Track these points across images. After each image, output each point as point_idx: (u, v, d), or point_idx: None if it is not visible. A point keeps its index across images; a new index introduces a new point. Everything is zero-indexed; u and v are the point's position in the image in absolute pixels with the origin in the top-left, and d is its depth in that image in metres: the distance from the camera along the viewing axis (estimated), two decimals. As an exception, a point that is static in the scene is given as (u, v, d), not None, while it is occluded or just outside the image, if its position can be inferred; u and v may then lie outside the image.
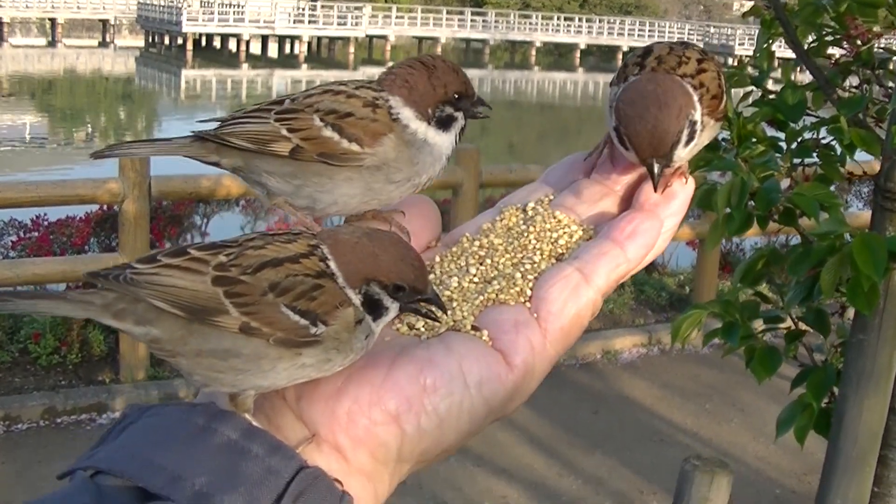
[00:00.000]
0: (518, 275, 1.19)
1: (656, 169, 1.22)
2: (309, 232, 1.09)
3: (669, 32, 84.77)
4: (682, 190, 1.26)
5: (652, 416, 9.12)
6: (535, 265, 1.21)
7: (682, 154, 1.25)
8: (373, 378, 1.04)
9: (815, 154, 3.44)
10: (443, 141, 1.27)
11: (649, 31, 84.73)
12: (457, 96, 1.26)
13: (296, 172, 1.23)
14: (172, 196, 9.88)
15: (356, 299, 1.05)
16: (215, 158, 1.28)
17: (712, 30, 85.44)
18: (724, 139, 3.53)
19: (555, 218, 1.26)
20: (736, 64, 3.79)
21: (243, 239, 1.05)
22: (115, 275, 1.01)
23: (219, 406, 1.04)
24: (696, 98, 1.26)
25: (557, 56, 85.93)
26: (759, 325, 3.72)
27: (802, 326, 3.70)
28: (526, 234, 1.25)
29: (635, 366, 10.26)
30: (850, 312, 3.62)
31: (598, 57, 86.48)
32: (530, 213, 1.29)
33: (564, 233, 1.24)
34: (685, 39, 1.47)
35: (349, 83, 1.26)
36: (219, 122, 1.28)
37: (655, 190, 1.23)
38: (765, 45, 3.83)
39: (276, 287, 1.01)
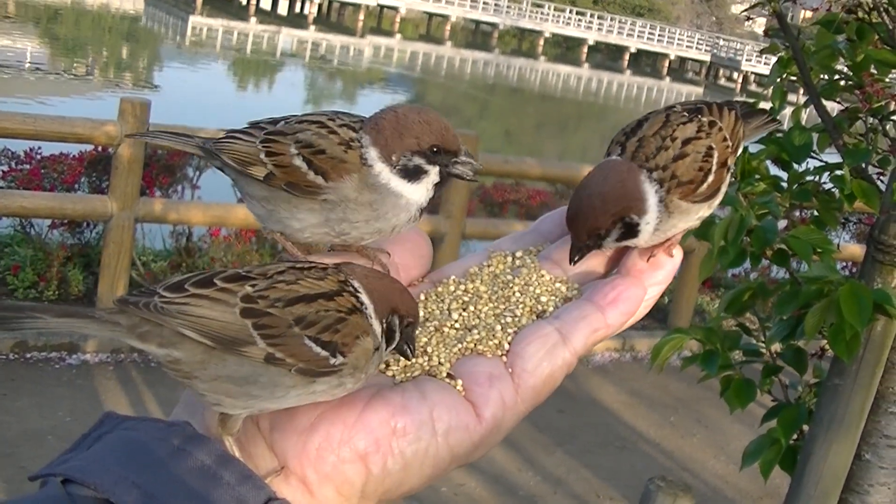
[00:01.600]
0: (498, 327, 1.21)
1: (575, 250, 1.26)
2: (328, 266, 1.13)
3: (679, 40, 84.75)
4: (669, 261, 1.28)
5: (617, 422, 9.18)
6: (517, 319, 1.22)
7: (632, 241, 1.27)
8: (346, 417, 1.07)
9: (814, 198, 3.49)
10: (410, 192, 1.24)
11: (659, 35, 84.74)
12: (434, 149, 1.24)
13: (269, 197, 1.25)
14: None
15: (378, 330, 1.11)
16: (219, 165, 1.31)
17: (721, 42, 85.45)
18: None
19: (540, 272, 1.28)
20: (741, 81, 3.82)
21: (273, 271, 1.09)
22: (146, 302, 1.04)
23: (194, 426, 1.07)
24: (650, 195, 1.27)
25: (565, 49, 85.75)
26: (736, 353, 3.77)
27: (780, 362, 3.75)
28: (510, 285, 1.27)
29: (606, 370, 10.31)
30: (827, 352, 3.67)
31: (605, 55, 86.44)
32: (517, 262, 1.31)
33: (548, 289, 1.26)
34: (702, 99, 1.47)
35: (338, 118, 1.26)
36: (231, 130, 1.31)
37: (571, 262, 1.26)
38: (778, 80, 3.86)
39: (303, 321, 1.05)
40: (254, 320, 1.03)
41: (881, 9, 3.33)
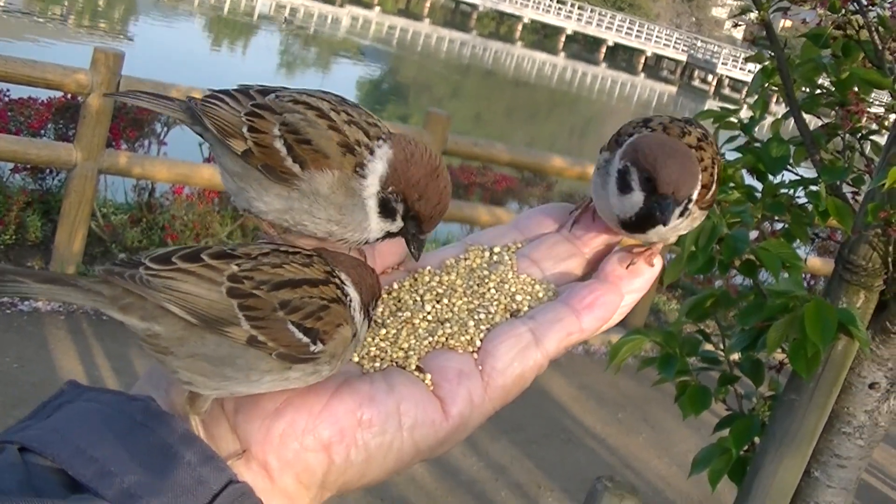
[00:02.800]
0: (471, 322, 1.20)
1: (672, 203, 1.23)
2: (312, 252, 1.12)
3: (657, 37, 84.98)
4: (649, 270, 1.27)
5: (564, 415, 9.19)
6: (490, 316, 1.21)
7: (671, 224, 1.25)
8: (312, 405, 1.06)
9: (787, 212, 3.47)
10: (375, 221, 1.20)
11: (637, 30, 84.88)
12: (414, 215, 1.20)
13: (242, 174, 1.21)
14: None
15: (359, 319, 1.10)
16: (199, 130, 1.26)
17: (699, 43, 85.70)
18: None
19: (517, 270, 1.27)
20: (715, 83, 3.81)
21: (257, 252, 1.07)
22: (131, 274, 1.02)
23: (158, 402, 1.05)
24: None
25: (542, 36, 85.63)
26: (693, 359, 3.77)
27: (737, 372, 3.75)
28: (486, 281, 1.26)
29: (558, 362, 10.05)
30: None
31: (583, 45, 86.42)
32: (495, 258, 1.30)
33: (523, 289, 1.25)
34: (674, 47, 1.44)
35: (346, 110, 1.20)
36: (212, 92, 1.26)
37: (661, 219, 1.24)
38: (759, 90, 3.85)
39: (287, 305, 1.03)
40: (239, 301, 1.02)
41: (871, 28, 3.31)
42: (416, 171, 1.19)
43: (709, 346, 3.87)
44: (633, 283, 1.25)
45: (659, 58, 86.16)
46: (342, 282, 1.10)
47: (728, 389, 3.80)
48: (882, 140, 3.46)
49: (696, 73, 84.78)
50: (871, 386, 3.43)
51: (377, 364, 1.16)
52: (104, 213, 10.09)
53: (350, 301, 1.10)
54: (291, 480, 1.05)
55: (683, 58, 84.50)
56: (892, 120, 3.46)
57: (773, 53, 3.66)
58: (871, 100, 3.48)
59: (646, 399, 9.67)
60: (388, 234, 1.22)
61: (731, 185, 3.46)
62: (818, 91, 3.73)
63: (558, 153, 12.83)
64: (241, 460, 1.04)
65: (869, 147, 3.62)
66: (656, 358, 3.69)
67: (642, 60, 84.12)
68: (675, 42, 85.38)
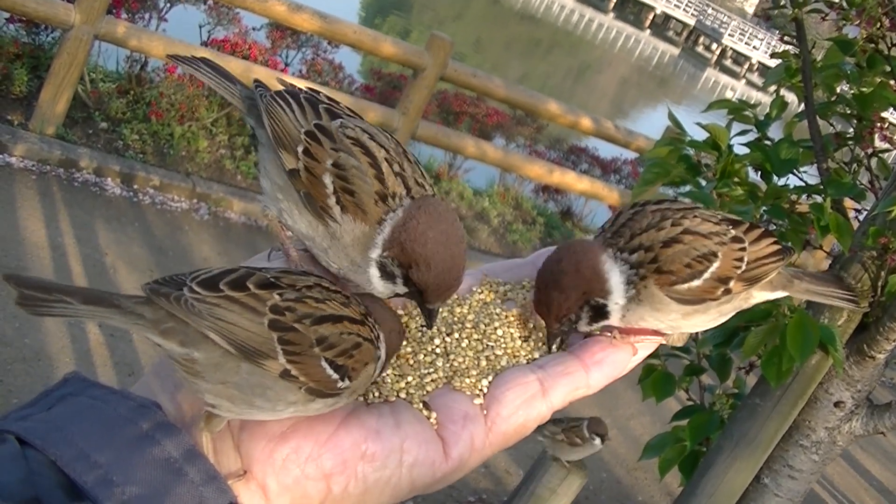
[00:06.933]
0: (479, 363, 1.20)
1: (551, 337, 1.23)
2: (349, 294, 1.11)
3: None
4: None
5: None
6: (498, 358, 1.21)
7: (598, 326, 1.24)
8: (319, 433, 1.06)
9: (786, 217, 3.44)
10: (375, 281, 1.18)
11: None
12: (420, 288, 1.17)
13: (282, 186, 1.19)
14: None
15: (383, 360, 1.11)
16: (252, 122, 1.24)
17: (710, 10, 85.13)
18: (706, 165, 3.51)
19: (529, 315, 1.25)
20: (718, 53, 3.76)
21: (301, 284, 1.06)
22: (177, 296, 1.00)
23: (163, 404, 1.05)
24: (612, 275, 1.23)
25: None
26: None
27: (705, 364, 3.74)
28: (496, 320, 1.24)
29: None
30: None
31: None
32: (509, 294, 1.29)
33: (535, 336, 1.24)
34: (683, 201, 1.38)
35: (397, 161, 1.18)
36: (283, 89, 1.23)
37: (549, 350, 1.23)
38: (776, 85, 3.80)
39: (324, 341, 1.03)
40: (279, 334, 1.01)
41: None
42: (419, 240, 1.15)
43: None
44: (645, 343, 1.25)
45: (668, 17, 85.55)
46: (376, 324, 1.10)
47: (692, 380, 3.79)
48: (890, 157, 3.44)
49: (701, 39, 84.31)
50: (837, 404, 3.42)
51: (379, 393, 1.16)
52: (92, 78, 9.95)
53: (380, 342, 1.10)
54: None
55: (692, 22, 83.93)
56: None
57: (798, 52, 3.61)
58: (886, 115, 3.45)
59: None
60: (398, 295, 1.19)
61: (736, 179, 3.41)
62: (834, 98, 3.69)
63: (550, 94, 12.74)
64: (241, 480, 1.03)
65: (876, 163, 3.59)
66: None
67: (651, 17, 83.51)
68: (686, 5, 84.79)
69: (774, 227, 3.51)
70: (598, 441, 4.25)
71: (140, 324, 1.02)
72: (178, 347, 1.02)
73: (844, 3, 3.33)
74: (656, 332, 1.28)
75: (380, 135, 1.19)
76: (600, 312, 1.23)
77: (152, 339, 1.02)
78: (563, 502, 4.17)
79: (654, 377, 3.63)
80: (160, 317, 1.02)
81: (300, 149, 1.16)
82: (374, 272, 1.17)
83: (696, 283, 1.24)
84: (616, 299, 1.22)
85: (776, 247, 1.32)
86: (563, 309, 1.21)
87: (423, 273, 1.15)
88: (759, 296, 1.35)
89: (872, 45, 3.44)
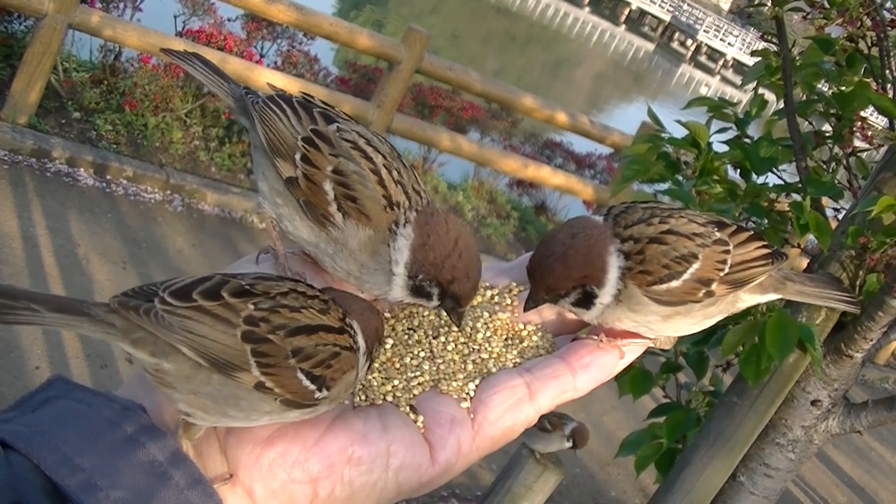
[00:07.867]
0: (465, 367, 1.19)
1: (531, 301, 1.23)
2: (328, 298, 1.09)
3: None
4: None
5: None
6: (484, 361, 1.20)
7: (583, 312, 1.24)
8: (306, 438, 1.05)
9: (765, 216, 3.44)
10: (397, 291, 1.19)
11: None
12: (457, 298, 1.18)
13: (281, 192, 1.18)
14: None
15: (363, 363, 1.10)
16: (245, 123, 1.22)
17: (685, 6, 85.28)
18: (686, 163, 3.50)
19: (517, 316, 1.25)
20: (693, 49, 3.75)
21: (276, 291, 1.04)
22: (146, 308, 0.99)
23: (148, 407, 1.04)
24: (612, 269, 1.23)
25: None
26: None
27: (682, 361, 3.74)
28: (487, 323, 1.24)
29: None
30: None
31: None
32: (497, 298, 1.28)
33: (522, 340, 1.23)
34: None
35: (395, 167, 1.18)
36: (274, 93, 1.22)
37: (524, 309, 1.24)
38: (755, 82, 3.79)
39: (300, 352, 1.02)
40: (253, 346, 1.00)
41: (884, 48, 3.26)
42: (452, 257, 1.17)
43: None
44: (632, 347, 1.24)
45: (643, 13, 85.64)
46: (354, 330, 1.09)
47: (669, 377, 3.79)
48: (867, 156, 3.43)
49: (676, 34, 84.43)
50: (814, 403, 3.42)
51: (365, 396, 1.15)
52: (66, 67, 9.87)
53: (359, 348, 1.08)
54: None
55: (667, 18, 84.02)
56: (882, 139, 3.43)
57: (778, 51, 3.60)
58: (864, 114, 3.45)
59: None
60: (428, 301, 1.20)
61: (715, 177, 3.41)
62: (814, 97, 3.68)
63: (527, 88, 12.73)
64: (227, 484, 1.02)
65: (854, 162, 3.59)
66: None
67: (626, 12, 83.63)
68: (662, 1, 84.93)
69: (753, 226, 3.51)
70: (569, 443, 4.22)
71: (110, 333, 1.01)
72: (149, 358, 1.01)
73: (826, 3, 3.31)
74: (642, 336, 1.26)
75: (375, 139, 1.18)
76: (587, 300, 1.22)
77: (124, 347, 1.01)
78: (538, 499, 4.16)
79: (631, 374, 3.62)
80: (130, 326, 1.00)
81: (298, 156, 1.15)
82: (402, 289, 1.18)
83: (675, 283, 1.23)
84: (607, 292, 1.22)
85: (765, 250, 1.30)
86: (558, 284, 1.21)
87: (462, 286, 1.17)
88: (748, 299, 1.33)
89: (852, 45, 3.43)
